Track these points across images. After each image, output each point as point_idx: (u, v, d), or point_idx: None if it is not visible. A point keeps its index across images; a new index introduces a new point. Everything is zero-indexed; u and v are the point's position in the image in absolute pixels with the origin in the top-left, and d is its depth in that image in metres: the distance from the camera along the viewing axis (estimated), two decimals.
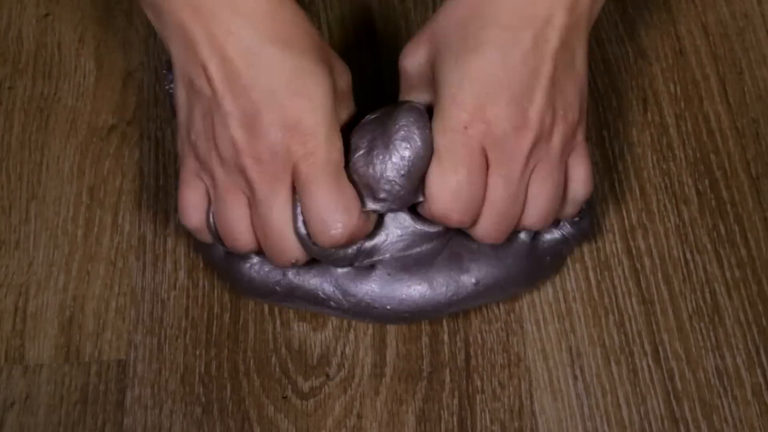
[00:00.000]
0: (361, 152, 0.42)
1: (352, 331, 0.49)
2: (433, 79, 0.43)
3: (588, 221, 0.47)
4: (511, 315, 0.50)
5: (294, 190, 0.42)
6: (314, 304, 0.47)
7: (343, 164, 0.42)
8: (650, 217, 0.52)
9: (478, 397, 0.48)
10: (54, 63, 0.57)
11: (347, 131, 0.43)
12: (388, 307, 0.46)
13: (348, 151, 0.43)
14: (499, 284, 0.47)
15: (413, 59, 0.44)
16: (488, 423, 0.47)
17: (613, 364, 0.49)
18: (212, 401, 0.48)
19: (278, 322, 0.49)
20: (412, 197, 0.43)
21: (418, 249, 0.45)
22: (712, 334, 0.49)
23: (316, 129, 0.40)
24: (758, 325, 0.49)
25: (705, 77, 0.56)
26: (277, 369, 0.48)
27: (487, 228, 0.43)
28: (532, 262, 0.47)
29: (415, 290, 0.46)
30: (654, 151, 0.54)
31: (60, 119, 0.55)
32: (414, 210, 0.45)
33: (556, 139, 0.42)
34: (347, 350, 0.49)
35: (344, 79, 0.44)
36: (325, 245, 0.42)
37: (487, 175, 0.41)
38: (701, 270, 0.51)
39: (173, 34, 0.41)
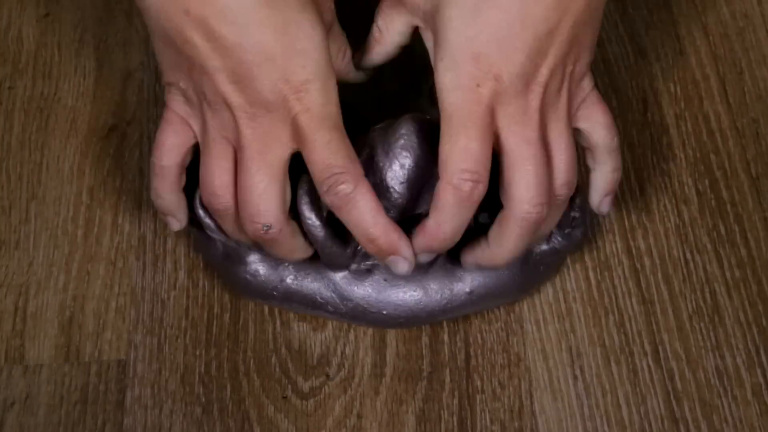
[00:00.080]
0: (362, 160, 0.42)
1: (352, 331, 0.49)
2: (433, 8, 0.41)
3: (581, 231, 0.47)
4: (511, 315, 0.50)
5: (292, 149, 0.40)
6: (312, 308, 0.47)
7: (341, 116, 0.40)
8: (650, 217, 0.52)
9: (478, 397, 0.48)
10: (54, 63, 0.57)
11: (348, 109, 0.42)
12: (384, 312, 0.46)
13: None
14: (492, 293, 0.47)
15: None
16: (488, 423, 0.47)
17: (613, 364, 0.49)
18: (212, 401, 0.48)
19: (278, 322, 0.49)
20: (412, 207, 0.43)
21: None
22: (712, 334, 0.49)
23: (310, 84, 0.39)
24: (758, 325, 0.49)
25: (705, 77, 0.56)
26: (277, 369, 0.48)
27: (529, 198, 0.40)
28: (525, 272, 0.47)
29: (410, 296, 0.46)
30: (654, 151, 0.54)
31: (60, 119, 0.55)
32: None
33: (565, 93, 0.41)
34: (347, 350, 0.49)
35: (328, 10, 0.42)
36: (331, 196, 0.40)
37: (497, 136, 0.40)
38: (701, 270, 0.51)
39: None
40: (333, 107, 0.40)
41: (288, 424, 0.47)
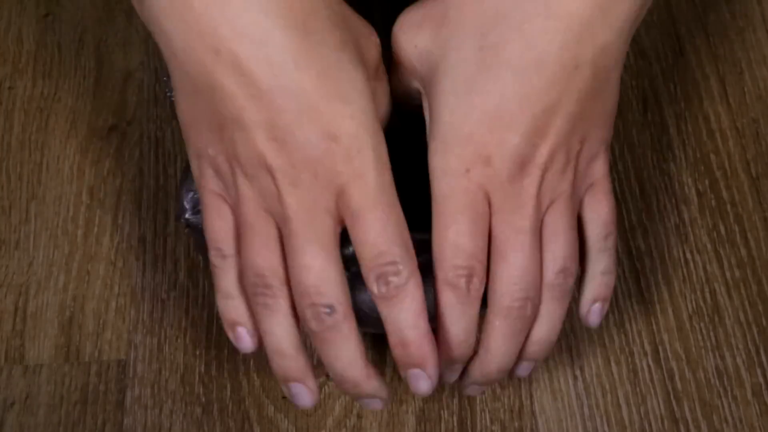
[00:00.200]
0: None
1: None
2: (430, 74, 0.37)
3: None
4: None
5: (340, 220, 0.35)
6: None
7: (394, 183, 0.35)
8: (650, 217, 0.52)
9: (478, 397, 0.48)
10: (54, 63, 0.57)
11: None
12: None
13: None
14: None
15: (412, 38, 0.38)
16: (488, 423, 0.47)
17: (613, 364, 0.49)
18: (212, 401, 0.48)
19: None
20: None
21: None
22: (712, 334, 0.49)
23: (361, 141, 0.34)
24: (758, 325, 0.49)
25: (705, 77, 0.56)
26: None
27: (509, 291, 0.36)
28: None
29: None
30: (654, 151, 0.54)
31: (60, 119, 0.55)
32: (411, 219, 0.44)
33: (570, 176, 0.36)
34: None
35: (373, 48, 0.37)
36: (380, 287, 0.35)
37: (490, 222, 0.36)
38: (701, 270, 0.51)
39: (164, 26, 0.34)
40: (387, 174, 0.35)
41: (288, 424, 0.47)
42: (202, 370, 0.48)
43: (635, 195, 0.53)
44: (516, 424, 0.47)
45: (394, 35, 0.38)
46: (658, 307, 0.50)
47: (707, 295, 0.50)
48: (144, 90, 0.56)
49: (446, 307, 0.36)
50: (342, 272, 0.35)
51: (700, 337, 0.49)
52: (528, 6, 0.33)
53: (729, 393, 0.48)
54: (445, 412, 0.47)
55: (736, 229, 0.52)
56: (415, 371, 0.36)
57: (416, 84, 0.39)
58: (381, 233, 0.34)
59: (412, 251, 0.35)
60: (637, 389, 0.48)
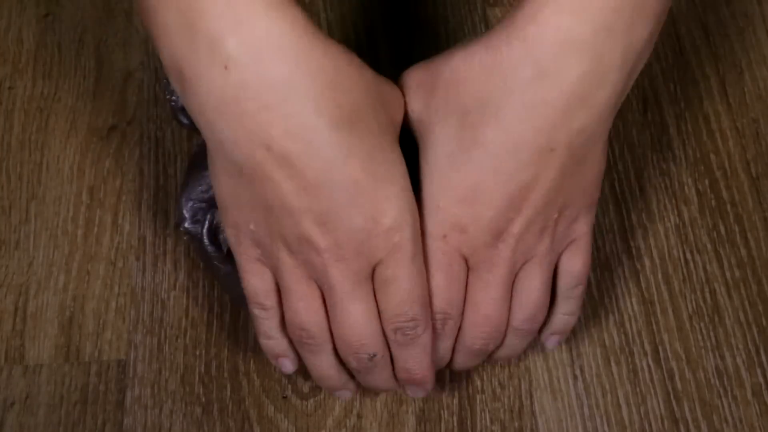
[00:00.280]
0: None
1: None
2: (420, 138, 0.39)
3: None
4: None
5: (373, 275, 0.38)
6: None
7: (420, 249, 0.38)
8: (650, 217, 0.52)
9: (478, 397, 0.48)
10: (54, 63, 0.57)
11: None
12: None
13: None
14: None
15: (409, 100, 0.39)
16: (488, 423, 0.47)
17: (613, 364, 0.49)
18: (212, 401, 0.48)
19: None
20: None
21: None
22: (712, 334, 0.49)
23: (400, 220, 0.36)
24: (758, 325, 0.49)
25: (705, 77, 0.56)
26: (277, 369, 0.48)
27: (473, 333, 0.40)
28: None
29: None
30: (654, 151, 0.54)
31: (60, 119, 0.55)
32: None
33: (547, 240, 0.38)
34: None
35: (399, 108, 0.39)
36: (399, 335, 0.39)
37: (467, 277, 0.39)
38: (701, 270, 0.51)
39: (212, 118, 0.34)
40: (419, 244, 0.38)
41: (288, 424, 0.47)
42: (202, 370, 0.48)
43: (635, 195, 0.53)
44: (516, 424, 0.47)
45: (405, 88, 0.40)
46: (658, 307, 0.50)
47: (707, 295, 0.50)
48: (144, 90, 0.56)
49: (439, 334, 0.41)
50: (378, 322, 0.39)
51: (700, 337, 0.49)
52: (506, 94, 0.35)
53: (729, 393, 0.48)
54: (445, 412, 0.47)
55: (736, 229, 0.52)
56: (414, 386, 0.42)
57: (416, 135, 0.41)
58: (406, 298, 0.38)
59: (428, 307, 0.39)
60: (637, 389, 0.48)
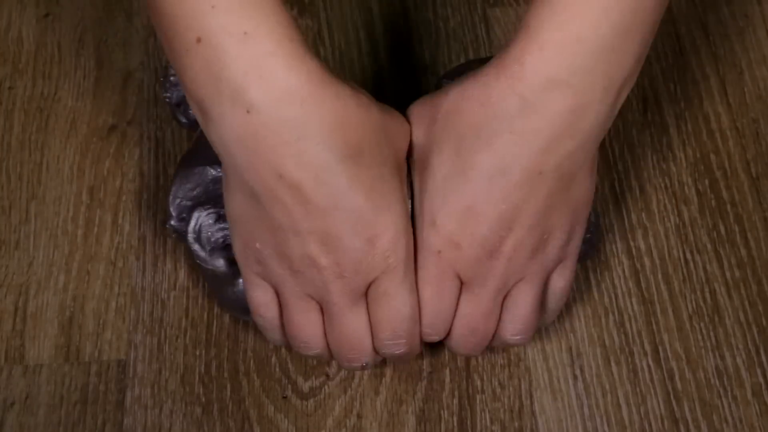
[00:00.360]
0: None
1: None
2: (420, 164, 0.42)
3: (591, 245, 0.47)
4: None
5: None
6: None
7: (413, 272, 0.41)
8: (650, 217, 0.52)
9: (478, 397, 0.48)
10: (54, 63, 0.57)
11: None
12: None
13: None
14: None
15: (414, 129, 0.42)
16: (488, 423, 0.47)
17: (613, 364, 0.49)
18: (212, 401, 0.48)
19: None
20: None
21: None
22: (712, 334, 0.49)
23: (396, 242, 0.40)
24: (758, 325, 0.49)
25: (705, 77, 0.56)
26: (277, 369, 0.48)
27: (457, 342, 0.43)
28: None
29: None
30: (654, 151, 0.54)
31: (60, 119, 0.55)
32: None
33: (539, 260, 0.41)
34: None
35: (404, 138, 0.42)
36: (388, 349, 0.42)
37: (460, 291, 0.41)
38: (701, 270, 0.51)
39: (232, 149, 0.37)
40: (412, 263, 0.41)
41: (288, 424, 0.47)
42: (202, 370, 0.48)
43: (635, 195, 0.53)
44: (516, 424, 0.47)
45: (410, 117, 0.43)
46: (658, 307, 0.50)
47: (707, 295, 0.50)
48: (144, 90, 0.56)
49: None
50: (371, 336, 0.41)
51: (700, 337, 0.49)
52: (495, 124, 0.38)
53: (729, 393, 0.48)
54: (445, 412, 0.47)
55: (736, 229, 0.52)
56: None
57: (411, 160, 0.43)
58: (396, 314, 0.41)
59: (418, 324, 0.42)
60: (637, 389, 0.48)
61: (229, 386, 0.48)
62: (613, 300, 0.50)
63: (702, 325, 0.49)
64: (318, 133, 0.37)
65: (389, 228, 0.39)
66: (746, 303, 0.50)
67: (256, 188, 0.38)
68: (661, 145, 0.54)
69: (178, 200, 0.47)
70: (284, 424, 0.47)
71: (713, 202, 0.53)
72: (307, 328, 0.42)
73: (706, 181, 0.53)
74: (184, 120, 0.51)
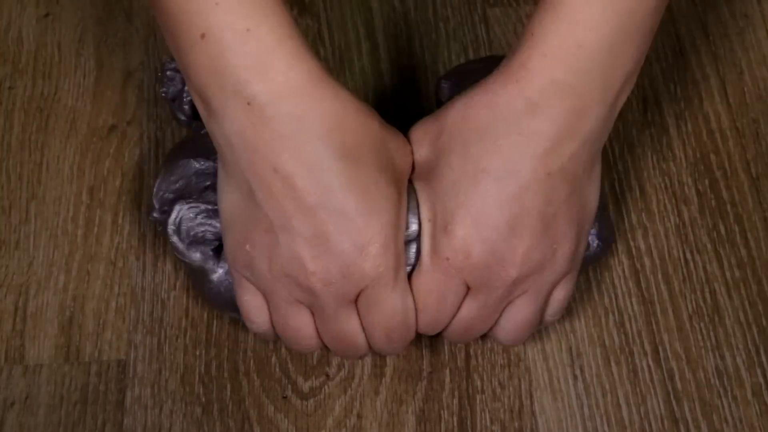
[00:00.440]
0: None
1: None
2: (427, 176, 0.42)
3: (607, 244, 0.48)
4: None
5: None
6: None
7: (406, 277, 0.41)
8: (650, 217, 0.52)
9: (478, 397, 0.48)
10: (54, 63, 0.57)
11: None
12: None
13: None
14: None
15: (417, 149, 0.43)
16: (488, 423, 0.47)
17: (613, 364, 0.49)
18: (212, 401, 0.48)
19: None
20: None
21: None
22: (712, 334, 0.49)
23: (387, 249, 0.39)
24: (758, 325, 0.49)
25: (705, 77, 0.56)
26: (277, 369, 0.48)
27: (451, 335, 0.43)
28: None
29: None
30: (654, 151, 0.54)
31: (60, 119, 0.55)
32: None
33: (545, 274, 0.41)
34: None
35: (405, 158, 0.42)
36: (385, 345, 0.42)
37: (464, 295, 0.41)
38: (701, 270, 0.51)
39: (232, 141, 0.39)
40: (403, 270, 0.41)
41: (288, 424, 0.47)
42: (202, 370, 0.48)
43: (635, 195, 0.53)
44: (516, 424, 0.47)
45: (411, 139, 0.43)
46: (658, 307, 0.50)
47: (707, 295, 0.50)
48: (144, 90, 0.56)
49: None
50: (360, 327, 0.41)
51: (700, 337, 0.49)
52: (502, 126, 0.39)
53: (729, 393, 0.48)
54: (445, 412, 0.47)
55: (736, 229, 0.52)
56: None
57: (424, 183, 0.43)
58: (386, 325, 0.41)
59: (412, 327, 0.42)
60: (637, 389, 0.48)
61: (229, 386, 0.48)
62: (613, 300, 0.50)
63: (702, 325, 0.49)
64: (315, 130, 0.38)
65: (379, 234, 0.39)
66: (746, 303, 0.50)
67: (252, 182, 0.38)
68: (661, 145, 0.54)
69: (161, 192, 0.47)
70: (284, 424, 0.47)
71: (713, 202, 0.53)
72: (299, 331, 0.42)
73: (706, 181, 0.53)
74: (181, 116, 0.51)
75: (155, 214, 0.47)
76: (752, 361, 0.48)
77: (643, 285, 0.50)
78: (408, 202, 0.42)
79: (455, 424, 0.47)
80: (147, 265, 0.51)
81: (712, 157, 0.54)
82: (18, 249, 0.51)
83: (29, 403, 0.48)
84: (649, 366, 0.48)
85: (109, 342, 0.49)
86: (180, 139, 0.50)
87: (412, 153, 0.43)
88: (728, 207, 0.52)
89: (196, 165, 0.47)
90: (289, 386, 0.48)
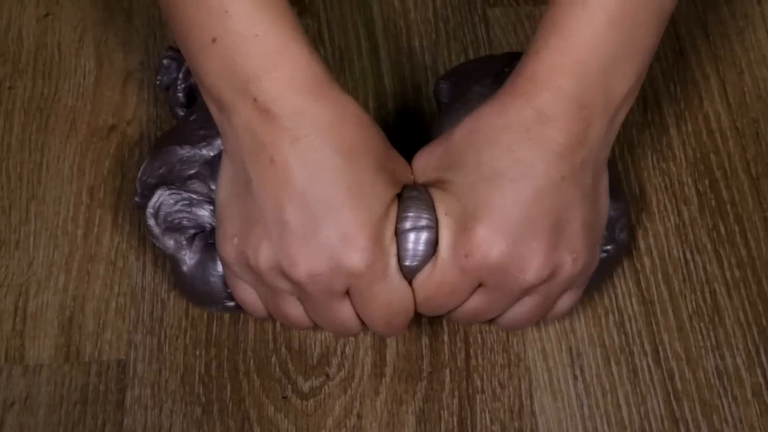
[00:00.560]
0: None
1: None
2: (440, 188, 0.42)
3: (627, 234, 0.48)
4: None
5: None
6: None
7: (398, 270, 0.41)
8: (650, 217, 0.52)
9: (478, 397, 0.48)
10: (54, 63, 0.57)
11: None
12: None
13: None
14: None
15: (424, 164, 0.43)
16: (488, 423, 0.47)
17: (613, 364, 0.49)
18: (212, 401, 0.48)
19: (278, 322, 0.49)
20: None
21: None
22: (712, 334, 0.49)
23: (375, 243, 0.39)
24: (758, 325, 0.49)
25: (705, 77, 0.56)
26: (277, 369, 0.48)
27: (457, 319, 0.44)
28: None
29: None
30: (654, 151, 0.54)
31: (60, 119, 0.55)
32: None
33: (560, 280, 0.41)
34: (347, 350, 0.49)
35: (404, 172, 0.43)
36: (383, 336, 0.43)
37: (474, 289, 0.41)
38: (701, 270, 0.51)
39: (239, 134, 0.40)
40: (394, 265, 0.41)
41: (288, 424, 0.47)
42: (202, 370, 0.48)
43: (635, 195, 0.53)
44: (516, 424, 0.47)
45: (413, 165, 0.44)
46: (658, 307, 0.50)
47: (707, 295, 0.50)
48: (144, 90, 0.56)
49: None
50: (355, 317, 0.42)
51: (700, 337, 0.49)
52: (513, 133, 0.40)
53: (729, 393, 0.48)
54: (445, 412, 0.47)
55: (736, 229, 0.52)
56: None
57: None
58: (376, 317, 0.41)
59: (408, 313, 0.42)
60: (637, 389, 0.48)
61: (229, 386, 0.48)
62: (613, 300, 0.50)
63: (702, 325, 0.49)
64: (315, 125, 0.39)
65: (368, 228, 0.39)
66: (746, 303, 0.50)
67: (252, 172, 0.40)
68: (661, 145, 0.54)
69: (144, 177, 0.48)
70: (284, 424, 0.47)
71: (713, 202, 0.53)
72: (293, 316, 0.43)
73: (706, 181, 0.53)
74: (175, 105, 0.51)
75: (137, 199, 0.48)
76: (752, 361, 0.48)
77: (643, 285, 0.50)
78: (420, 199, 0.42)
79: (455, 424, 0.47)
80: (147, 265, 0.51)
81: (712, 157, 0.54)
82: (18, 249, 0.51)
83: (29, 403, 0.48)
84: (649, 366, 0.48)
85: (109, 342, 0.49)
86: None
87: (413, 174, 0.44)
88: (728, 207, 0.52)
89: (181, 152, 0.47)
90: (289, 386, 0.48)
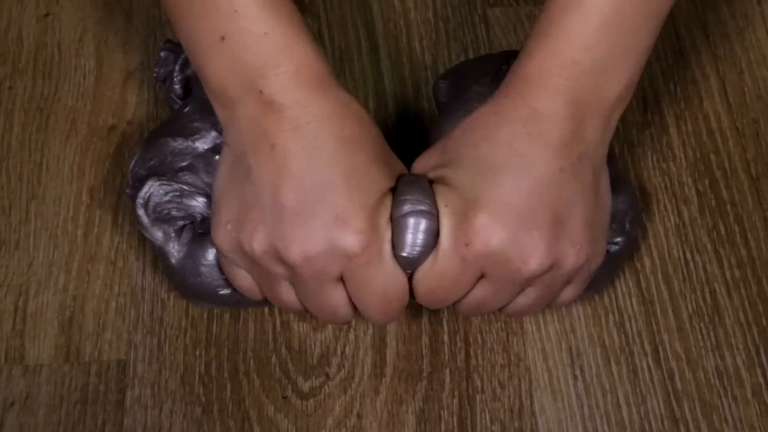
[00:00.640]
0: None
1: (352, 331, 0.49)
2: (444, 179, 0.42)
3: (635, 229, 0.48)
4: None
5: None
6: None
7: (392, 255, 0.41)
8: (650, 217, 0.52)
9: (478, 397, 0.48)
10: (54, 63, 0.57)
11: None
12: None
13: None
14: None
15: (424, 164, 0.44)
16: (488, 423, 0.47)
17: (613, 364, 0.49)
18: (212, 401, 0.48)
19: (278, 322, 0.49)
20: None
21: None
22: (712, 334, 0.49)
23: (370, 226, 0.40)
24: (758, 325, 0.49)
25: (705, 77, 0.56)
26: (277, 369, 0.48)
27: (460, 310, 0.44)
28: None
29: None
30: (654, 151, 0.54)
31: (60, 119, 0.55)
32: None
33: (563, 271, 0.41)
34: (347, 350, 0.49)
35: (396, 166, 0.44)
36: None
37: (477, 279, 0.42)
38: (701, 270, 0.51)
39: (242, 126, 0.41)
40: (388, 249, 0.41)
41: (288, 424, 0.47)
42: (202, 370, 0.48)
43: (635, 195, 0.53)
44: (516, 424, 0.47)
45: (413, 167, 0.45)
46: (658, 307, 0.50)
47: (707, 295, 0.50)
48: (144, 90, 0.56)
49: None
50: (347, 303, 0.42)
51: (700, 337, 0.49)
52: (510, 129, 0.41)
53: (729, 393, 0.48)
54: (445, 412, 0.47)
55: (736, 229, 0.52)
56: None
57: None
58: (370, 303, 0.42)
59: (402, 299, 0.42)
60: (637, 389, 0.48)
61: (229, 386, 0.48)
62: (613, 300, 0.50)
63: (702, 325, 0.49)
64: (317, 115, 0.40)
65: (363, 211, 0.40)
66: (746, 303, 0.50)
67: (252, 160, 0.41)
68: (661, 145, 0.54)
69: (136, 168, 0.48)
70: (284, 424, 0.47)
71: (713, 202, 0.53)
72: (288, 302, 0.43)
73: (706, 181, 0.53)
74: (172, 96, 0.51)
75: (128, 190, 0.48)
76: (752, 361, 0.48)
77: (643, 285, 0.50)
78: (418, 185, 0.42)
79: (455, 424, 0.47)
80: (147, 265, 0.51)
81: (712, 157, 0.54)
82: (18, 249, 0.51)
83: (29, 403, 0.48)
84: (649, 366, 0.48)
85: (109, 342, 0.49)
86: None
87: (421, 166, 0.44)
88: (728, 207, 0.52)
89: (174, 144, 0.47)
90: (289, 386, 0.48)
